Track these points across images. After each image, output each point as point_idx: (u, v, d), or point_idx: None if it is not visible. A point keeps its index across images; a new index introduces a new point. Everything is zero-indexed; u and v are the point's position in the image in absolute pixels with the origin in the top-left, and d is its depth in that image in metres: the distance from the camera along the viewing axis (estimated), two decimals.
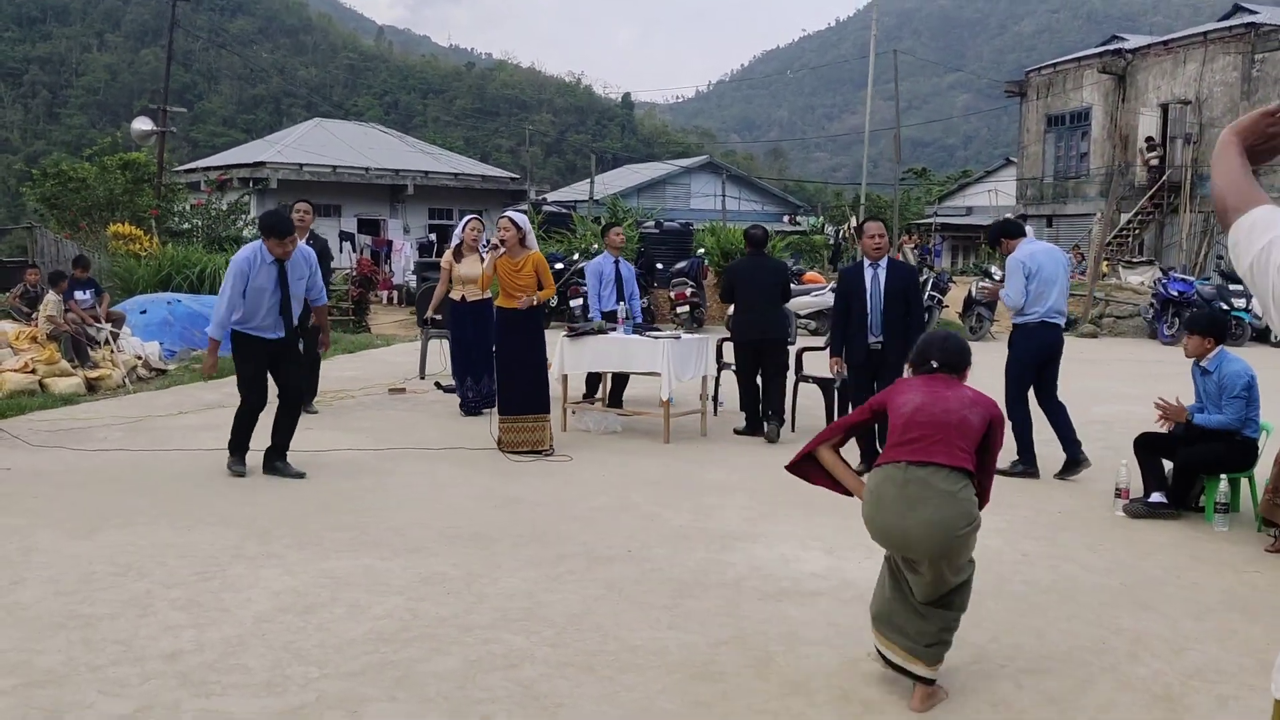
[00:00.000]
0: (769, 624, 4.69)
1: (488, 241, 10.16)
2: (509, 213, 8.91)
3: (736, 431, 9.39)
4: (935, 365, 4.05)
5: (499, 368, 8.50)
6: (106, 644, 4.35)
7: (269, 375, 7.57)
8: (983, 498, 3.94)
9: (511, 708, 3.83)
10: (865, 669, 4.20)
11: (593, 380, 10.30)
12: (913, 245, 27.90)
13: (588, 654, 4.31)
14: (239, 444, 7.50)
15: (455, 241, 10.45)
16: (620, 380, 10.13)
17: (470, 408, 10.15)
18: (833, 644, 4.46)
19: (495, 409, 8.64)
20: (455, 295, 10.25)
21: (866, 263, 8.06)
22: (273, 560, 5.49)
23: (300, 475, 7.34)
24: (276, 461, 7.48)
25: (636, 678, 4.10)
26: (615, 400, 10.11)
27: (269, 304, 7.37)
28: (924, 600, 3.86)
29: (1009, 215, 25.14)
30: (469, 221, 10.55)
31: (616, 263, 10.28)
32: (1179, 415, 6.60)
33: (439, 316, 11.10)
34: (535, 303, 8.33)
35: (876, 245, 7.96)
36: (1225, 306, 18.67)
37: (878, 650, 4.02)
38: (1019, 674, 4.19)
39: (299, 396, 7.79)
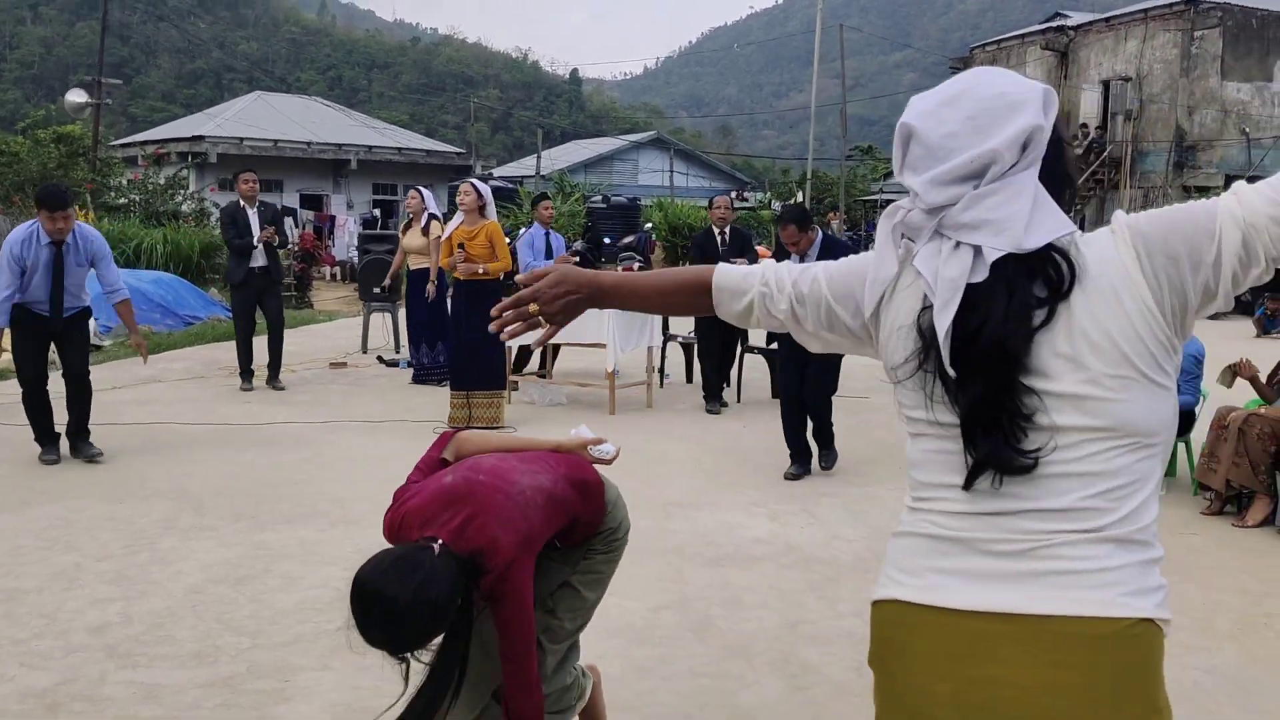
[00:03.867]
0: (710, 589, 4.67)
1: (430, 215, 10.15)
2: (471, 179, 8.84)
3: (707, 410, 9.20)
4: None
5: (455, 342, 8.34)
6: (30, 617, 4.22)
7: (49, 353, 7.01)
8: None
9: None
10: (805, 631, 4.19)
11: (523, 354, 10.04)
12: (836, 221, 28.09)
13: None
14: (43, 431, 6.98)
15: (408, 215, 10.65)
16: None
17: (421, 376, 10.29)
18: (772, 607, 4.45)
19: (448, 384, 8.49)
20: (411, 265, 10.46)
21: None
22: (206, 533, 5.37)
23: (99, 455, 6.94)
24: (78, 442, 7.03)
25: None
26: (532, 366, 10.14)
27: (45, 287, 6.71)
28: None
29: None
30: (410, 193, 10.59)
31: (547, 234, 10.19)
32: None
33: (386, 285, 11.62)
34: (481, 272, 8.12)
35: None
36: None
37: None
38: None
39: (83, 376, 7.08)
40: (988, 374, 1.47)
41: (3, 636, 4.03)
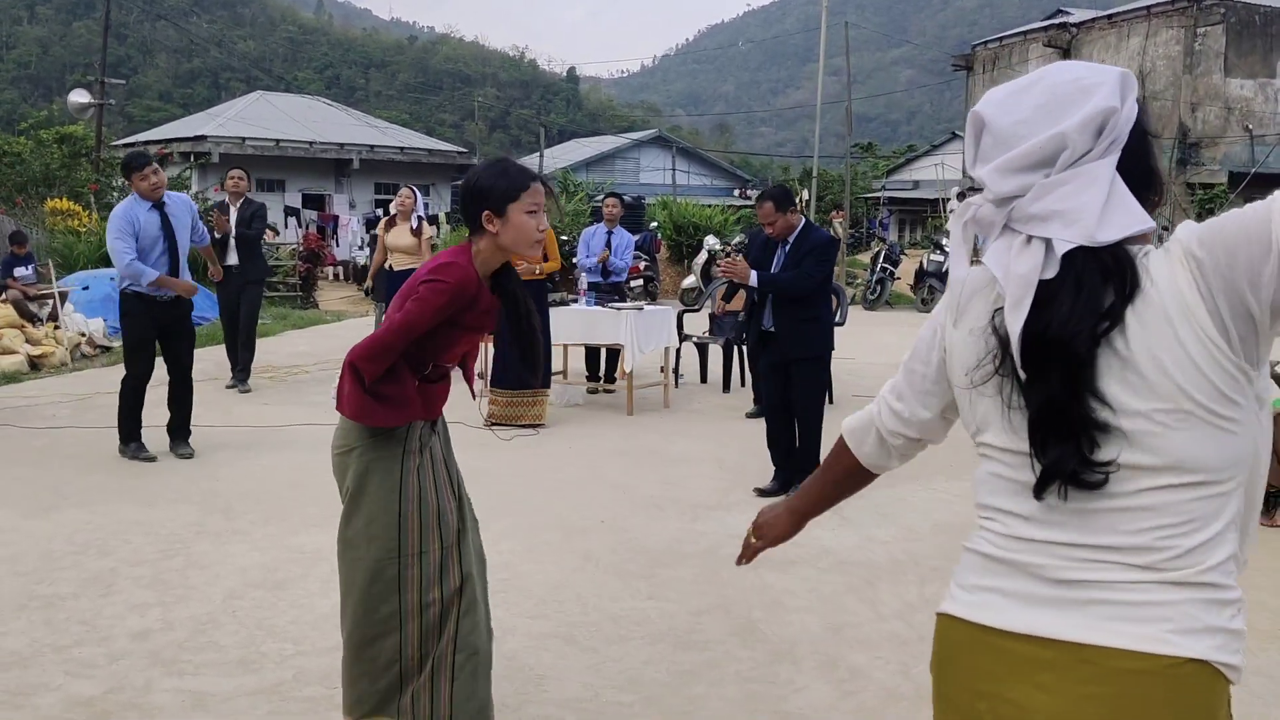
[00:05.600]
0: (750, 592, 4.65)
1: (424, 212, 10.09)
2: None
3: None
4: None
5: (500, 340, 8.32)
6: (70, 624, 4.20)
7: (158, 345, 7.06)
8: None
9: (497, 680, 3.74)
10: (850, 635, 4.18)
11: (592, 363, 10.01)
12: (841, 220, 28.08)
13: (569, 625, 4.24)
14: (134, 428, 7.00)
15: (394, 210, 10.33)
16: (601, 355, 9.91)
17: None
18: (816, 610, 4.43)
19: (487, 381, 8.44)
20: (387, 265, 10.09)
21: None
22: (238, 536, 5.35)
23: (190, 454, 7.02)
24: (179, 439, 7.13)
25: (620, 649, 4.04)
26: (607, 375, 9.95)
27: (158, 251, 6.85)
28: None
29: (958, 189, 25.34)
30: (402, 189, 10.38)
31: (610, 233, 10.13)
32: None
33: (369, 286, 11.31)
34: (538, 272, 8.15)
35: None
36: None
37: None
38: None
39: (189, 369, 7.21)
40: (1056, 375, 1.40)
41: (44, 644, 4.00)
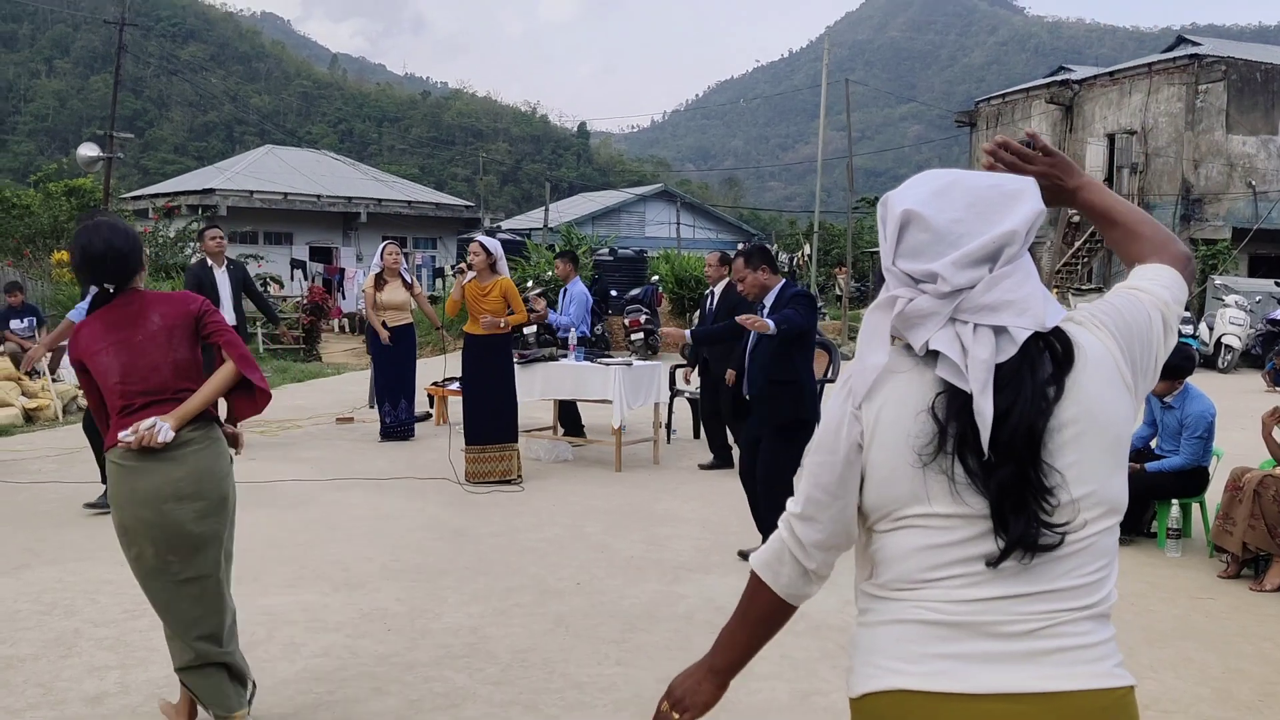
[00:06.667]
0: None
1: (419, 266, 10.10)
2: (479, 237, 8.82)
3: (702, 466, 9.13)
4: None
5: (466, 396, 8.34)
6: (27, 686, 4.14)
7: None
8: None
9: None
10: (818, 703, 4.09)
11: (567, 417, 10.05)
12: (844, 275, 28.14)
13: (532, 692, 4.16)
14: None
15: (375, 269, 10.38)
16: (569, 406, 9.96)
17: (388, 432, 10.14)
18: (785, 677, 4.35)
19: (457, 440, 8.47)
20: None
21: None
22: None
23: None
24: None
25: (582, 716, 3.96)
26: (572, 425, 9.96)
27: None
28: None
29: None
30: (386, 246, 10.42)
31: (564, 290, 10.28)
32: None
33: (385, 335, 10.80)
34: (501, 325, 8.14)
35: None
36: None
37: None
38: None
39: None
40: (1017, 455, 1.48)
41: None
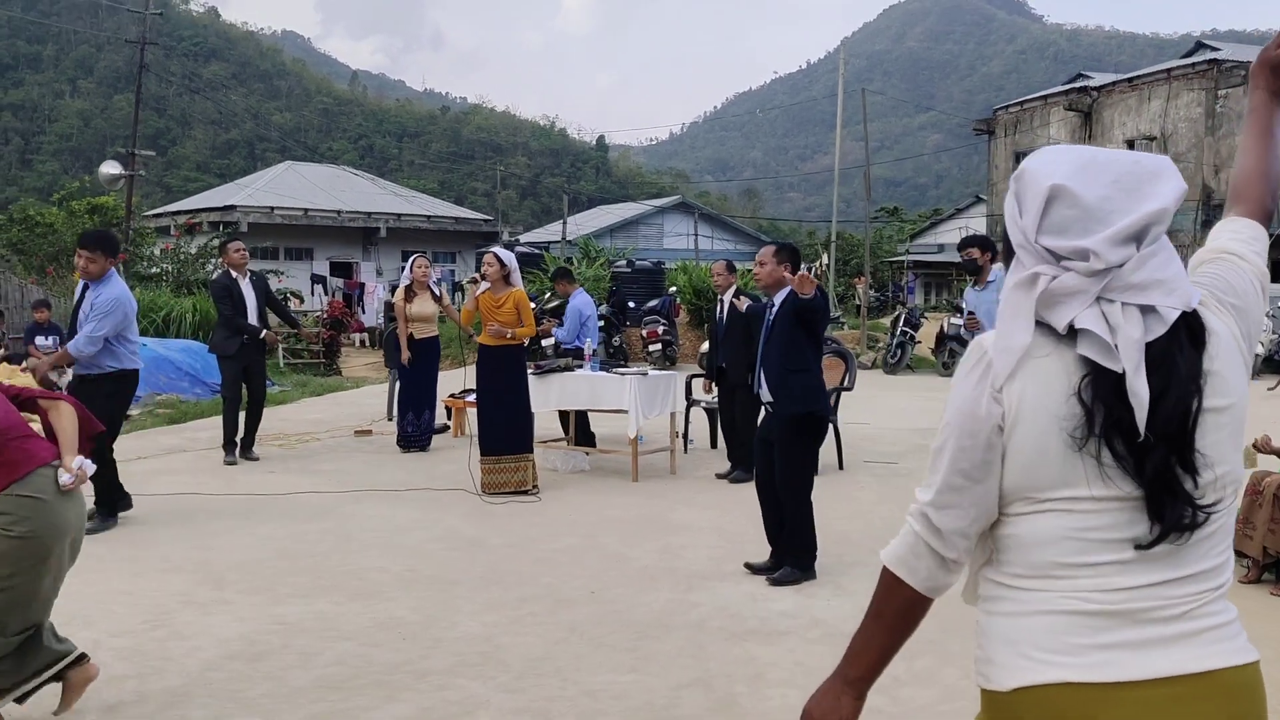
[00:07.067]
0: (734, 665, 4.56)
1: (439, 280, 10.21)
2: (494, 249, 8.88)
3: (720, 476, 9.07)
4: None
5: (480, 407, 8.37)
6: (44, 696, 4.16)
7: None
8: None
9: None
10: None
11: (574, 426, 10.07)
12: (863, 285, 28.07)
13: (545, 699, 4.17)
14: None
15: (405, 281, 10.47)
16: (581, 416, 9.96)
17: (408, 442, 10.23)
18: (798, 684, 4.33)
19: (473, 449, 8.48)
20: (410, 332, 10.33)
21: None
22: (224, 607, 5.32)
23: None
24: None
25: None
26: (584, 438, 9.98)
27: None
28: None
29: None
30: (416, 259, 10.51)
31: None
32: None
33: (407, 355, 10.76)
34: (510, 336, 8.19)
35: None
36: None
37: None
38: None
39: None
40: (1172, 437, 1.49)
41: (14, 717, 3.97)
